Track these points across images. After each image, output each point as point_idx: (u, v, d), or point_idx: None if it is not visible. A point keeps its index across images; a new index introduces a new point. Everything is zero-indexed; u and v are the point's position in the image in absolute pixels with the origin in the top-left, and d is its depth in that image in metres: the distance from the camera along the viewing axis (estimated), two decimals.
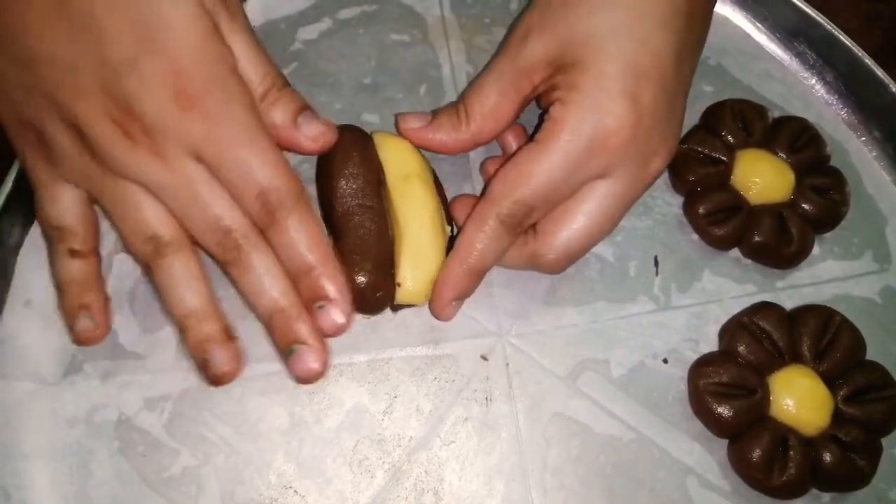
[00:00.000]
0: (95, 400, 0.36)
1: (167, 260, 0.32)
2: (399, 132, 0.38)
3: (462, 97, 0.37)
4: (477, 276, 0.35)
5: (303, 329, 0.32)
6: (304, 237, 0.32)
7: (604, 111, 0.32)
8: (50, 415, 0.35)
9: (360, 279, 0.34)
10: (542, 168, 0.33)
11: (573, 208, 0.34)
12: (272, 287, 0.32)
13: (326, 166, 0.36)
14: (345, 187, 0.35)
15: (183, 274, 0.33)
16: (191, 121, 0.31)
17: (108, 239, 0.38)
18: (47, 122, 0.32)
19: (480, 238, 0.34)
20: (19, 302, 0.37)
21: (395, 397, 0.37)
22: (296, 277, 0.33)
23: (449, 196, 0.39)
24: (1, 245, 0.37)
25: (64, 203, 0.34)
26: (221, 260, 0.33)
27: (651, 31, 0.33)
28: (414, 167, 0.37)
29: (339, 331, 0.33)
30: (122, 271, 0.38)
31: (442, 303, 0.35)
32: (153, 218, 0.32)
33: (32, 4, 0.30)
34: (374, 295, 0.35)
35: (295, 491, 0.35)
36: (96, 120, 0.30)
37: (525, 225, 0.34)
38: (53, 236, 0.34)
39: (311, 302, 0.33)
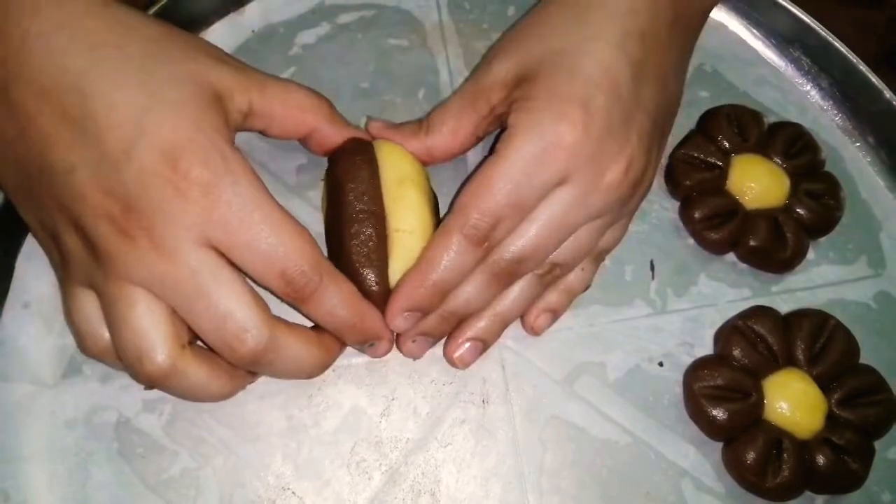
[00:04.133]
0: (95, 401, 0.36)
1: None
2: (368, 130, 0.38)
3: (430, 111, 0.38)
4: (438, 293, 0.34)
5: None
6: (339, 303, 0.32)
7: (555, 113, 0.33)
8: (49, 416, 0.36)
9: (373, 290, 0.34)
10: (500, 175, 0.33)
11: (531, 215, 0.34)
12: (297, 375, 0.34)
13: (333, 170, 0.36)
14: (351, 191, 0.35)
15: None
16: (191, 203, 0.29)
17: None
18: (59, 226, 0.31)
19: (444, 252, 0.33)
20: (18, 303, 0.37)
21: (393, 399, 0.37)
22: (339, 332, 0.34)
23: (443, 201, 0.38)
24: (0, 247, 0.37)
25: (86, 309, 0.31)
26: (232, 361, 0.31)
27: (602, 48, 0.34)
28: (409, 171, 0.36)
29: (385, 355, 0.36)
30: None
31: (393, 311, 0.34)
32: (148, 327, 0.30)
33: (36, 119, 0.30)
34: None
35: (293, 492, 0.35)
36: (95, 220, 0.29)
37: (492, 238, 0.34)
38: (78, 343, 0.33)
39: (360, 345, 0.35)
